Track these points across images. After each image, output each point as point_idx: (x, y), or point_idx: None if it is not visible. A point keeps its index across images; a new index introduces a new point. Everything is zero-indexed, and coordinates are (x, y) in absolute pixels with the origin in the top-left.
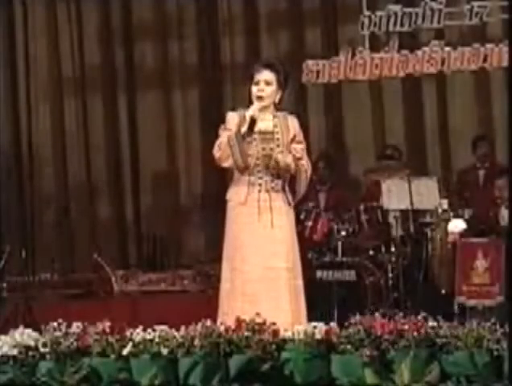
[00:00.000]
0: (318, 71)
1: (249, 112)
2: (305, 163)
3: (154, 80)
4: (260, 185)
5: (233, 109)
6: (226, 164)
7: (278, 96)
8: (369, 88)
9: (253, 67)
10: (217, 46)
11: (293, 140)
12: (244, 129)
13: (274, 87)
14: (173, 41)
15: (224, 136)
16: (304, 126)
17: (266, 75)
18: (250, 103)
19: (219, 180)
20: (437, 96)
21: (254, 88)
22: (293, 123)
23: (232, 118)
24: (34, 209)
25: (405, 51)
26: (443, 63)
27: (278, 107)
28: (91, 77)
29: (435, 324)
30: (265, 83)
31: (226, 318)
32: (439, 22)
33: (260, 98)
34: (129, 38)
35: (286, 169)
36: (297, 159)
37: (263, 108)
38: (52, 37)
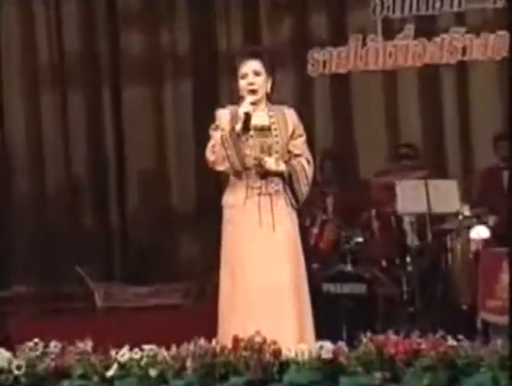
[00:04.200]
0: (325, 62)
1: (243, 109)
2: (305, 162)
3: (143, 71)
4: (259, 187)
5: (232, 103)
6: (222, 167)
7: (268, 85)
8: (381, 79)
9: (237, 59)
10: (213, 33)
11: (292, 135)
12: (238, 127)
13: (263, 76)
14: (163, 28)
15: (217, 137)
16: (310, 122)
17: (253, 65)
18: (239, 99)
19: (215, 182)
20: (457, 88)
21: (243, 82)
22: (291, 116)
23: (223, 116)
24: (8, 216)
25: (422, 39)
26: (464, 51)
27: (270, 97)
28: (71, 69)
29: (455, 343)
30: (254, 74)
31: (227, 336)
32: (460, 6)
33: (252, 91)
34: (114, 24)
35: (274, 173)
36: (296, 156)
37: (257, 102)
38: (28, 24)
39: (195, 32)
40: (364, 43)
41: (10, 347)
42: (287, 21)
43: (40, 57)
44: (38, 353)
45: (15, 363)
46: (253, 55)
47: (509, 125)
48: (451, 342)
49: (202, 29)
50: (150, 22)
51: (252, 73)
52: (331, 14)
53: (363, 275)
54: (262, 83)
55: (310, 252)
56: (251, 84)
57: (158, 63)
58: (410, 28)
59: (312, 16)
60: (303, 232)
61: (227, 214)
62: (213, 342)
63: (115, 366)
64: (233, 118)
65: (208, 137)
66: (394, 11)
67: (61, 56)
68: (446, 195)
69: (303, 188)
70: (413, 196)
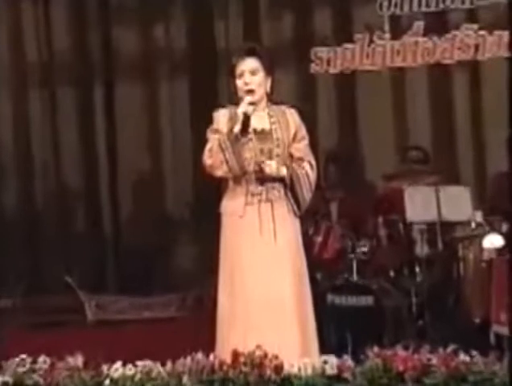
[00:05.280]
0: (329, 60)
1: (241, 109)
2: (308, 167)
3: (137, 70)
4: (260, 193)
5: (231, 104)
6: (220, 172)
7: (268, 85)
8: (389, 79)
9: (233, 57)
10: (211, 30)
11: (294, 138)
12: (237, 128)
13: (261, 75)
14: (158, 24)
15: (214, 139)
16: (313, 124)
17: (250, 63)
18: (238, 100)
19: (213, 187)
20: (470, 87)
21: (240, 82)
22: (293, 117)
23: (221, 117)
24: None
25: (432, 36)
26: (477, 49)
27: (270, 98)
28: (61, 67)
29: (467, 358)
30: (251, 73)
31: (226, 350)
32: (471, 2)
33: (249, 92)
34: (105, 19)
35: (275, 178)
36: (298, 160)
37: (256, 102)
38: (15, 18)
39: (192, 29)
40: (370, 41)
41: None
42: (289, 17)
43: (29, 55)
44: (25, 369)
45: (1, 379)
46: (250, 52)
47: (510, 125)
48: (463, 357)
49: (199, 25)
50: (144, 18)
51: (249, 72)
52: (335, 10)
53: (370, 286)
54: (259, 82)
55: (313, 262)
56: (247, 83)
57: (153, 62)
58: (419, 25)
59: (316, 12)
60: (306, 240)
61: (226, 221)
62: (211, 356)
63: (107, 382)
64: (232, 120)
65: (205, 140)
66: (402, 7)
67: (51, 54)
68: (457, 202)
69: (306, 194)
70: (423, 203)
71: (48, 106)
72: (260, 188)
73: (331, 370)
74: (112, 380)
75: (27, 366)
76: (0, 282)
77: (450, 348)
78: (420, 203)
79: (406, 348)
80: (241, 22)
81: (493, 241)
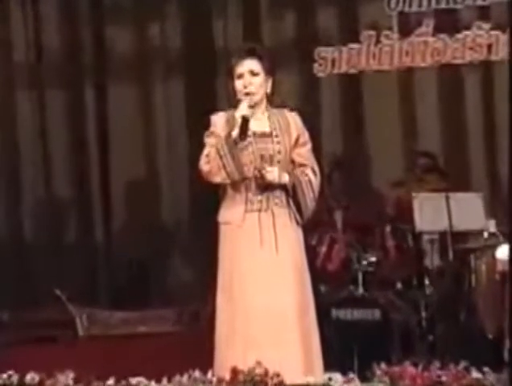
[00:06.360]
0: (333, 60)
1: (239, 112)
2: (311, 173)
3: (130, 70)
4: (260, 201)
5: (229, 107)
6: (218, 179)
7: (268, 86)
8: (397, 80)
9: (233, 58)
10: (209, 27)
11: (296, 142)
12: (235, 132)
13: (261, 76)
14: (153, 22)
15: (211, 144)
16: (316, 128)
17: (249, 64)
18: (237, 103)
19: (211, 194)
20: (482, 89)
21: (239, 83)
22: (294, 121)
23: (218, 121)
24: None
25: (442, 35)
26: (489, 49)
27: (271, 100)
28: (50, 66)
29: (479, 375)
30: (250, 74)
31: (225, 367)
32: None
33: (249, 94)
34: (99, 19)
35: (277, 186)
36: (300, 166)
37: (255, 105)
38: (2, 15)
39: (190, 28)
40: (377, 40)
41: None
42: (292, 15)
43: (15, 54)
44: None
45: None
46: (250, 53)
47: (510, 125)
48: (475, 374)
49: (197, 24)
50: (138, 15)
51: (248, 73)
52: (340, 8)
53: (376, 299)
54: (259, 84)
55: (317, 273)
56: (247, 85)
57: (149, 63)
58: (428, 24)
59: (320, 10)
60: (310, 251)
61: (224, 231)
62: (209, 373)
63: None
64: (230, 123)
65: (202, 145)
66: (410, 5)
67: (39, 52)
68: (469, 210)
69: (309, 202)
70: (433, 211)
71: (39, 108)
72: (260, 196)
73: None
74: None
75: (15, 383)
76: None
77: (461, 365)
78: (430, 212)
79: (415, 365)
80: (241, 20)
81: (507, 252)
